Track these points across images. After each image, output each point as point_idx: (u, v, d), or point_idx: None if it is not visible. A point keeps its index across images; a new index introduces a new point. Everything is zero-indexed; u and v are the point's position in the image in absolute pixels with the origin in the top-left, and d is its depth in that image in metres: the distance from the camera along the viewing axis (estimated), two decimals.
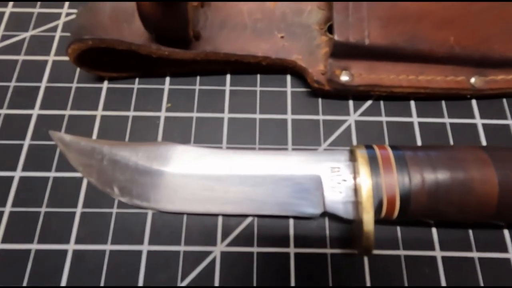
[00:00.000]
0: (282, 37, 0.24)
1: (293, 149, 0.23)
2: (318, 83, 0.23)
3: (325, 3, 0.25)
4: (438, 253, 0.20)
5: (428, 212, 0.18)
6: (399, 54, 0.22)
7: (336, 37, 0.21)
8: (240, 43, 0.23)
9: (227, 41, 0.23)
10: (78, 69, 0.25)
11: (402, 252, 0.20)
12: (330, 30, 0.24)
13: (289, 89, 0.25)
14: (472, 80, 0.23)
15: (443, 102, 0.24)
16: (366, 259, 0.20)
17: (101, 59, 0.23)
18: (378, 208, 0.18)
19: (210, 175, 0.21)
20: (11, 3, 0.27)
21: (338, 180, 0.20)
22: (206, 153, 0.21)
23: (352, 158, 0.20)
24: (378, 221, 0.19)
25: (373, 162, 0.19)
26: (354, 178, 0.19)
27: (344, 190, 0.20)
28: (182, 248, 0.20)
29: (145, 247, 0.20)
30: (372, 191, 0.18)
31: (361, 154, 0.19)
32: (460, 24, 0.23)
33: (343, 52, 0.22)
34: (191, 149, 0.22)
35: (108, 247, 0.20)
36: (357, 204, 0.19)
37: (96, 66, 0.23)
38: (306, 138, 0.23)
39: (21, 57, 0.25)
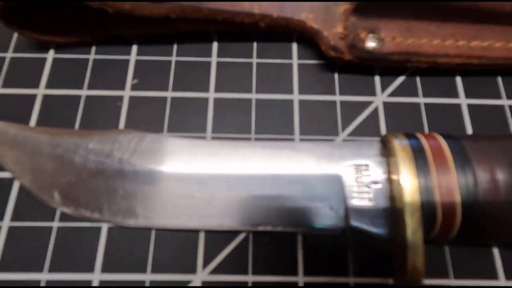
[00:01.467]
0: None
1: (302, 140, 0.17)
2: (335, 51, 0.17)
3: None
4: (503, 283, 0.15)
5: (505, 229, 0.13)
6: (448, 8, 0.16)
7: None
8: None
9: None
10: (15, 34, 0.18)
11: (452, 282, 0.15)
12: None
13: (295, 60, 0.19)
14: None
15: (499, 78, 0.19)
16: None
17: (38, 16, 0.17)
18: (428, 223, 0.13)
19: (188, 175, 0.15)
20: None
21: (366, 183, 0.15)
22: (183, 146, 0.16)
23: (386, 151, 0.15)
24: (428, 241, 0.13)
25: (419, 157, 0.13)
26: (390, 179, 0.14)
27: (376, 197, 0.14)
28: (148, 276, 0.15)
29: (96, 276, 0.15)
30: (419, 198, 0.13)
31: (401, 146, 0.14)
32: None
33: (373, 6, 0.16)
34: (163, 140, 0.16)
35: (45, 276, 0.15)
36: (395, 216, 0.13)
37: (32, 27, 0.17)
38: (319, 126, 0.17)
39: None
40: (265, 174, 0.15)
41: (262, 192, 0.14)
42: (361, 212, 0.14)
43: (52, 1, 0.15)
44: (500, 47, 0.17)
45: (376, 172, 0.14)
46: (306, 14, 0.17)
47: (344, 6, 0.18)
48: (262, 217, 0.15)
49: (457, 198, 0.12)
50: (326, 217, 0.14)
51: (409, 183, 0.13)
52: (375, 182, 0.14)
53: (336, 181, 0.14)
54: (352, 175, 0.14)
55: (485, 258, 0.15)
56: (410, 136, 0.14)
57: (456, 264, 0.15)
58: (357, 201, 0.14)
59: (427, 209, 0.12)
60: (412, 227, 0.12)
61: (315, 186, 0.14)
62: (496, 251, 0.15)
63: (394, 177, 0.13)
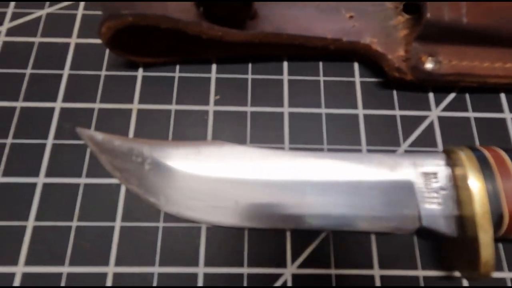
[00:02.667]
0: (351, 16, 0.20)
1: (369, 150, 0.19)
2: (399, 72, 0.19)
3: None
4: None
5: None
6: (499, 36, 0.19)
7: (428, 15, 0.18)
8: (304, 22, 0.20)
9: (288, 20, 0.19)
10: (107, 54, 0.21)
11: (508, 275, 0.17)
12: (406, 9, 0.20)
13: (357, 79, 0.21)
14: None
15: None
16: (465, 283, 0.17)
17: (133, 41, 0.19)
18: (496, 224, 0.15)
19: (278, 182, 0.17)
20: None
21: (435, 189, 0.17)
22: (270, 155, 0.18)
23: (451, 161, 0.17)
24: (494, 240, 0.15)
25: (484, 166, 0.16)
26: (456, 186, 0.16)
27: (444, 201, 0.17)
28: (245, 270, 0.17)
29: (200, 270, 0.17)
30: (488, 202, 0.15)
31: (467, 156, 0.16)
32: None
33: (433, 34, 0.18)
34: (252, 151, 0.18)
35: (156, 269, 0.17)
36: (463, 218, 0.15)
37: (129, 49, 0.20)
38: (382, 137, 0.20)
39: (37, 39, 0.21)
40: (347, 181, 0.17)
41: (345, 196, 0.17)
42: (433, 215, 0.16)
43: (160, 30, 0.17)
44: None
45: (443, 179, 0.16)
46: (371, 39, 0.20)
47: (403, 31, 0.20)
48: (345, 220, 0.17)
49: None
50: (402, 220, 0.16)
51: (478, 189, 0.15)
52: (443, 189, 0.16)
53: (409, 187, 0.17)
54: (422, 182, 0.17)
55: None
56: (473, 148, 0.17)
57: (509, 257, 0.17)
58: (428, 205, 0.16)
59: (495, 212, 0.15)
60: (484, 227, 0.14)
61: (391, 191, 0.16)
62: None
63: (462, 183, 0.16)
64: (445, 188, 0.16)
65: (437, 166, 0.17)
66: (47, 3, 0.22)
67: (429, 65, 0.19)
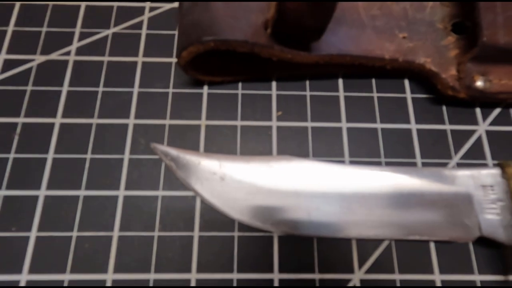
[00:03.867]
0: (404, 37, 0.22)
1: (423, 163, 0.21)
2: (453, 90, 0.21)
3: None
4: None
5: None
6: None
7: (484, 39, 0.19)
8: (364, 43, 0.21)
9: (350, 41, 0.21)
10: (172, 73, 0.22)
11: None
12: (455, 29, 0.22)
13: (409, 95, 0.22)
14: None
15: None
16: None
17: (205, 62, 0.21)
18: None
19: (348, 194, 0.19)
20: None
21: (492, 200, 0.18)
22: (337, 169, 0.19)
23: (505, 175, 0.18)
24: None
25: None
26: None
27: (502, 211, 0.18)
28: (316, 276, 0.18)
29: (275, 276, 0.18)
30: None
31: None
32: None
33: (487, 55, 0.20)
34: (318, 165, 0.19)
35: (235, 275, 0.18)
36: None
37: (200, 69, 0.21)
38: (434, 151, 0.21)
39: (106, 58, 0.22)
40: (410, 193, 0.18)
41: (410, 208, 0.18)
42: (492, 225, 0.17)
43: (224, 53, 0.19)
44: None
45: (500, 191, 0.18)
46: (425, 59, 0.21)
47: (454, 51, 0.21)
48: (408, 230, 0.18)
49: None
50: (464, 229, 0.18)
51: None
52: (500, 200, 0.18)
53: (469, 199, 0.18)
54: (481, 194, 0.18)
55: None
56: None
57: None
58: (487, 215, 0.18)
59: None
60: None
61: (453, 203, 0.18)
62: None
63: None
64: (502, 200, 0.18)
65: (493, 179, 0.18)
66: (112, 23, 0.23)
67: (480, 83, 0.20)
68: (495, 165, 0.19)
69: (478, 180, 0.18)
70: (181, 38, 0.19)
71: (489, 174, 0.18)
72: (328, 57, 0.20)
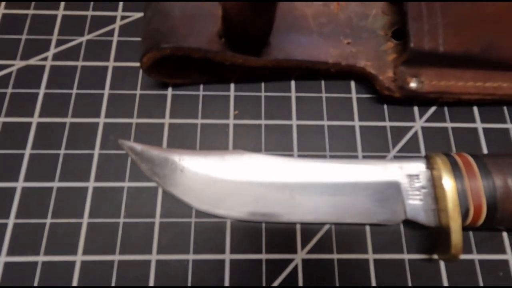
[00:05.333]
0: (348, 43, 0.24)
1: (364, 156, 0.23)
2: (389, 90, 0.23)
3: (389, 7, 0.25)
4: (510, 257, 0.21)
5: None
6: (472, 61, 0.22)
7: (412, 45, 0.21)
8: (310, 49, 0.23)
9: (297, 47, 0.23)
10: (140, 76, 0.24)
11: (476, 256, 0.21)
12: (395, 35, 0.24)
13: (354, 95, 0.25)
14: None
15: (505, 108, 0.25)
16: (442, 264, 0.21)
17: (166, 66, 0.23)
18: (464, 216, 0.19)
19: (292, 184, 0.21)
20: (62, 5, 0.26)
21: (417, 187, 0.20)
22: (283, 162, 0.21)
23: (430, 165, 0.21)
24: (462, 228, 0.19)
25: (455, 169, 0.19)
26: (434, 185, 0.20)
27: (424, 197, 0.20)
28: (263, 256, 0.21)
29: (227, 256, 0.20)
30: (458, 197, 0.19)
31: (442, 161, 0.20)
32: None
33: (416, 59, 0.22)
34: (267, 158, 0.22)
35: (191, 256, 0.20)
36: (439, 211, 0.19)
37: (163, 73, 0.23)
38: (375, 145, 0.23)
39: (80, 63, 0.24)
40: (345, 182, 0.20)
41: (344, 195, 0.20)
42: (415, 209, 0.20)
43: (191, 58, 0.21)
44: (507, 87, 0.23)
45: (424, 180, 0.20)
46: (365, 62, 0.23)
47: (392, 55, 0.24)
48: (344, 214, 0.20)
49: (483, 198, 0.18)
50: (391, 213, 0.20)
51: (450, 187, 0.19)
52: (424, 187, 0.20)
53: (397, 187, 0.20)
54: (407, 182, 0.20)
55: (497, 238, 0.21)
56: (447, 155, 0.20)
57: (478, 243, 0.21)
58: (411, 201, 0.20)
59: (463, 205, 0.18)
60: (454, 218, 0.18)
61: (382, 190, 0.20)
62: (504, 234, 0.21)
63: (438, 183, 0.19)
64: (426, 187, 0.20)
65: (419, 169, 0.21)
66: (86, 30, 0.25)
67: (413, 85, 0.23)
68: (421, 157, 0.21)
69: (406, 170, 0.21)
70: (143, 45, 0.21)
71: (416, 165, 0.21)
72: (275, 61, 0.22)
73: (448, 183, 0.19)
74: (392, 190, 0.20)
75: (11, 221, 0.21)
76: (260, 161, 0.21)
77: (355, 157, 0.23)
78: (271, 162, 0.21)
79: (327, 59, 0.23)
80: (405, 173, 0.21)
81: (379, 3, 0.25)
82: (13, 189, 0.21)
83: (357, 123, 0.24)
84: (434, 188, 0.20)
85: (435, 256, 0.21)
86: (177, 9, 0.22)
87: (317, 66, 0.23)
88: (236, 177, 0.21)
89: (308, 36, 0.24)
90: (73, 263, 0.20)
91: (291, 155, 0.23)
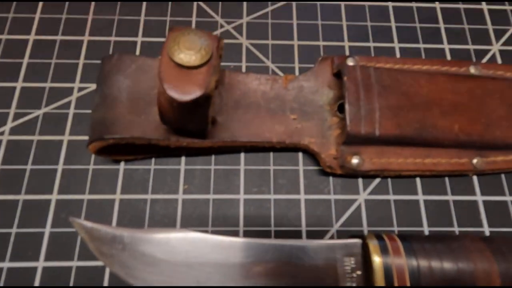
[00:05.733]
0: (294, 118, 0.25)
1: (307, 231, 0.24)
2: (330, 168, 0.24)
3: (335, 82, 0.26)
4: None
5: None
6: (407, 141, 0.23)
7: (348, 129, 0.22)
8: (255, 126, 0.24)
9: (243, 125, 0.24)
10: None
11: None
12: (340, 109, 0.25)
13: (301, 167, 0.25)
14: (474, 161, 0.24)
15: (447, 179, 0.26)
16: None
17: (115, 147, 0.23)
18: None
19: (234, 264, 0.21)
20: (21, 77, 0.27)
21: (352, 269, 0.21)
22: (228, 243, 0.22)
23: (364, 247, 0.21)
24: None
25: (384, 253, 0.20)
26: (366, 268, 0.21)
27: (357, 279, 0.21)
28: None
29: None
30: (384, 282, 0.20)
31: (373, 245, 0.21)
32: (465, 110, 0.24)
33: (355, 140, 0.23)
34: (212, 238, 0.22)
35: None
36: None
37: (114, 152, 0.24)
38: (319, 219, 0.24)
39: (35, 137, 0.25)
40: (286, 262, 0.21)
41: (283, 277, 0.21)
42: None
43: (135, 147, 0.22)
44: (445, 163, 0.24)
45: (356, 262, 0.21)
46: (309, 139, 0.24)
47: (336, 131, 0.24)
48: None
49: (407, 277, 0.19)
50: None
51: (378, 271, 0.19)
52: (358, 269, 0.21)
53: (333, 269, 0.21)
54: (342, 264, 0.21)
55: None
56: (378, 237, 0.21)
57: None
58: (347, 283, 0.21)
59: (388, 281, 0.19)
60: None
61: (318, 271, 0.21)
62: None
63: (369, 266, 0.20)
64: (359, 269, 0.21)
65: (353, 251, 0.21)
66: (44, 103, 0.26)
67: (354, 163, 0.23)
68: (358, 238, 0.22)
69: (342, 251, 0.21)
70: (90, 132, 0.22)
71: (351, 246, 0.22)
72: (220, 142, 0.23)
73: (377, 267, 0.20)
74: (329, 272, 0.21)
75: None
76: (204, 241, 0.22)
77: (299, 232, 0.24)
78: (216, 242, 0.22)
79: (271, 138, 0.24)
80: (340, 255, 0.21)
81: (326, 78, 0.26)
82: None
83: (302, 196, 0.25)
84: (366, 270, 0.21)
85: None
86: (125, 94, 0.23)
87: (262, 144, 0.24)
88: (180, 259, 0.22)
89: (256, 112, 0.25)
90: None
91: (237, 231, 0.24)
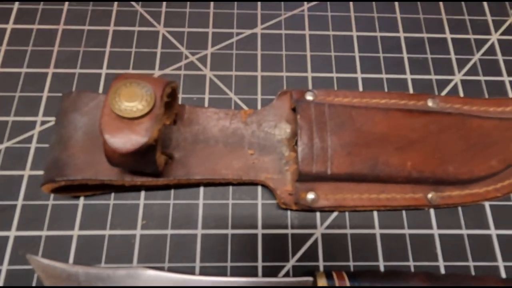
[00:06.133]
0: (252, 153, 0.25)
1: (263, 266, 0.24)
2: (285, 204, 0.24)
3: (293, 116, 0.26)
4: None
5: None
6: (361, 178, 0.23)
7: (300, 168, 0.23)
8: (212, 163, 0.24)
9: (200, 162, 0.24)
10: None
11: None
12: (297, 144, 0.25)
13: (260, 201, 0.26)
14: (429, 196, 0.25)
15: (404, 212, 0.26)
16: None
17: (70, 186, 0.23)
18: None
19: None
20: None
21: None
22: (183, 281, 0.22)
23: (315, 284, 0.22)
24: None
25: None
26: None
27: None
28: None
29: None
30: None
31: (321, 285, 0.21)
32: (420, 146, 0.24)
33: (308, 178, 0.23)
34: (167, 276, 0.22)
35: None
36: None
37: (71, 190, 0.24)
38: (276, 254, 0.24)
39: None
40: None
41: None
42: None
43: (92, 185, 0.22)
44: (400, 198, 0.24)
45: None
46: (266, 175, 0.24)
47: (293, 166, 0.25)
48: None
49: None
50: None
51: None
52: None
53: None
54: None
55: None
56: (328, 274, 0.21)
57: None
58: None
59: None
60: None
61: None
62: None
63: None
64: None
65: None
66: (6, 136, 0.26)
67: (309, 198, 0.24)
68: (309, 275, 0.22)
69: None
70: (44, 173, 0.22)
71: (304, 283, 0.22)
72: (176, 180, 0.23)
73: None
74: None
75: None
76: (159, 279, 0.22)
77: (255, 268, 0.24)
78: (170, 280, 0.22)
79: (227, 174, 0.24)
80: None
81: (285, 112, 0.26)
82: None
83: (260, 231, 0.25)
84: None
85: None
86: (81, 132, 0.23)
87: (218, 181, 0.24)
88: None
89: (213, 147, 0.25)
90: None
91: (193, 267, 0.24)
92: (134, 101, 0.17)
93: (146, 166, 0.20)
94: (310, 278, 0.22)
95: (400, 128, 0.24)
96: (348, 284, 0.21)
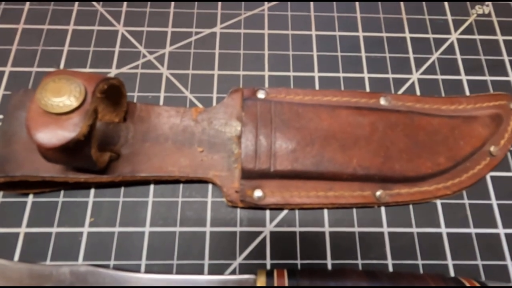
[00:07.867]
0: (201, 151, 0.25)
1: (210, 264, 0.24)
2: (231, 202, 0.24)
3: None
4: None
5: None
6: (306, 176, 0.23)
7: (242, 166, 0.23)
8: (159, 160, 0.24)
9: (146, 159, 0.24)
10: None
11: None
12: None
13: (209, 199, 0.26)
14: (378, 194, 0.24)
15: (354, 210, 0.26)
16: None
17: (15, 183, 0.23)
18: None
19: None
20: None
21: None
22: (128, 278, 0.22)
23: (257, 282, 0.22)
24: None
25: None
26: None
27: None
28: None
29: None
30: None
31: (260, 283, 0.21)
32: (366, 143, 0.24)
33: (253, 175, 0.23)
34: (112, 274, 0.22)
35: None
36: None
37: (18, 187, 0.24)
38: (223, 252, 0.24)
39: None
40: None
41: None
42: None
43: (38, 182, 0.22)
44: (348, 195, 0.24)
45: None
46: (214, 172, 0.24)
47: (240, 164, 0.24)
48: None
49: None
50: None
51: None
52: None
53: None
54: None
55: None
56: (269, 273, 0.21)
57: None
58: None
59: None
60: None
61: None
62: None
63: None
64: None
65: (247, 286, 0.21)
66: None
67: (256, 196, 0.24)
68: (252, 274, 0.22)
69: (236, 286, 0.21)
70: None
71: (246, 281, 0.22)
72: (120, 177, 0.23)
73: None
74: None
75: None
76: (103, 278, 0.22)
77: (201, 265, 0.24)
78: (113, 278, 0.22)
79: (174, 171, 0.24)
80: None
81: (235, 110, 0.26)
82: None
83: (208, 228, 0.25)
84: None
85: None
86: (25, 130, 0.23)
87: (165, 178, 0.24)
88: None
89: (162, 145, 0.25)
90: None
91: (139, 265, 0.23)
92: (61, 97, 0.17)
93: (82, 162, 0.20)
94: (253, 276, 0.22)
95: (346, 125, 0.24)
96: (286, 283, 0.21)
